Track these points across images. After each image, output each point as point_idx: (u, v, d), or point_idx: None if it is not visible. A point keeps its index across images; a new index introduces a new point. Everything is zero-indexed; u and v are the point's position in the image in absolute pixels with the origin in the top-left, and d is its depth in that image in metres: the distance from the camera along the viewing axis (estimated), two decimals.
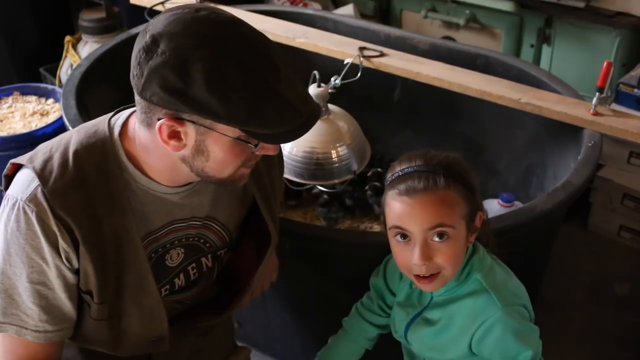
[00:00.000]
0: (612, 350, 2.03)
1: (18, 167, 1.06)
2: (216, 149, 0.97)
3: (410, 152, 1.16)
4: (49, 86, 2.56)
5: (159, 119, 0.94)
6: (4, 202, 1.03)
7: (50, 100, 2.50)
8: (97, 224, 1.01)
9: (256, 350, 1.90)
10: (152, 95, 0.92)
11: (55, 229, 0.99)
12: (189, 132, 0.95)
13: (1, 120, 2.37)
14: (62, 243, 1.00)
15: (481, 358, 1.15)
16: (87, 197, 1.01)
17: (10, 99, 2.49)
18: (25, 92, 2.53)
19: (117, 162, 1.03)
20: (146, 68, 0.91)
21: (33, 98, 2.51)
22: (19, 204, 0.99)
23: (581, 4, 2.45)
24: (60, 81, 2.73)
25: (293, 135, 0.96)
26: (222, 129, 0.94)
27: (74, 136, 1.05)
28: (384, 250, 1.41)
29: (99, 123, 1.07)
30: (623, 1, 2.42)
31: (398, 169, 1.14)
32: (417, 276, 1.12)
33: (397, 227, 1.10)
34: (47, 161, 1.01)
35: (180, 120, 0.93)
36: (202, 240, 1.19)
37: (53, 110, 2.44)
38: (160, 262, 1.14)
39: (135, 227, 1.05)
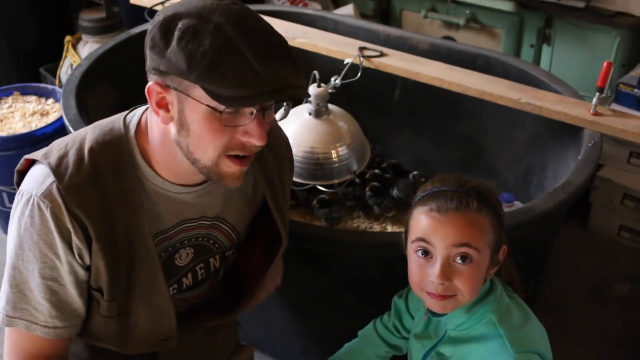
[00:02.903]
0: (612, 350, 2.03)
1: (31, 163, 1.06)
2: (193, 120, 0.96)
3: (444, 174, 1.14)
4: (49, 86, 2.56)
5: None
6: (17, 197, 1.03)
7: (50, 100, 2.50)
8: (110, 221, 1.02)
9: (256, 350, 1.90)
10: (148, 62, 0.96)
11: (69, 225, 0.99)
12: (173, 100, 0.97)
13: (1, 120, 2.37)
14: (75, 239, 1.00)
15: None
16: (102, 194, 1.01)
17: (10, 99, 2.49)
18: (25, 92, 2.53)
19: (131, 161, 1.04)
20: (148, 39, 0.96)
21: (33, 98, 2.50)
22: (34, 199, 0.99)
23: (581, 4, 2.45)
24: (60, 81, 2.73)
25: (255, 100, 0.93)
26: (196, 95, 0.94)
27: (89, 133, 1.06)
28: (384, 250, 1.41)
29: (115, 121, 1.08)
30: (623, 1, 2.42)
31: (430, 187, 1.12)
32: (430, 293, 1.09)
33: (421, 239, 1.07)
34: (63, 157, 1.02)
35: (165, 87, 0.96)
36: (211, 241, 1.19)
37: (53, 110, 2.44)
38: (170, 261, 1.15)
39: (148, 226, 1.05)
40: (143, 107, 1.09)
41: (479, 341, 1.11)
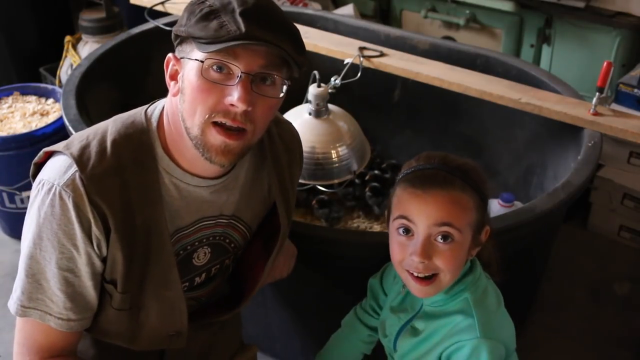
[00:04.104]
0: (612, 350, 2.03)
1: (49, 156, 1.06)
2: (187, 80, 0.99)
3: (430, 152, 1.13)
4: (49, 86, 2.56)
5: None
6: (37, 186, 1.03)
7: (50, 100, 2.50)
8: (130, 213, 1.02)
9: None
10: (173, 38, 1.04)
11: (90, 215, 0.99)
12: (181, 70, 1.01)
13: (1, 120, 2.37)
14: (95, 230, 1.01)
15: None
16: (123, 186, 1.02)
17: (10, 99, 2.49)
18: (25, 92, 2.53)
19: (152, 154, 1.05)
20: None
21: (33, 98, 2.50)
22: (56, 188, 0.99)
23: (581, 4, 2.45)
24: (60, 81, 2.73)
25: (223, 43, 0.94)
26: (191, 55, 0.99)
27: (110, 126, 1.06)
28: (384, 250, 1.41)
29: (136, 114, 1.09)
30: (623, 1, 2.42)
31: (415, 164, 1.11)
32: (412, 276, 1.08)
33: (402, 217, 1.07)
34: (85, 148, 1.02)
35: (177, 58, 1.03)
36: (227, 240, 1.20)
37: (53, 110, 2.44)
38: (188, 260, 1.15)
39: (165, 220, 1.05)
40: (163, 100, 1.10)
41: (449, 317, 1.11)
